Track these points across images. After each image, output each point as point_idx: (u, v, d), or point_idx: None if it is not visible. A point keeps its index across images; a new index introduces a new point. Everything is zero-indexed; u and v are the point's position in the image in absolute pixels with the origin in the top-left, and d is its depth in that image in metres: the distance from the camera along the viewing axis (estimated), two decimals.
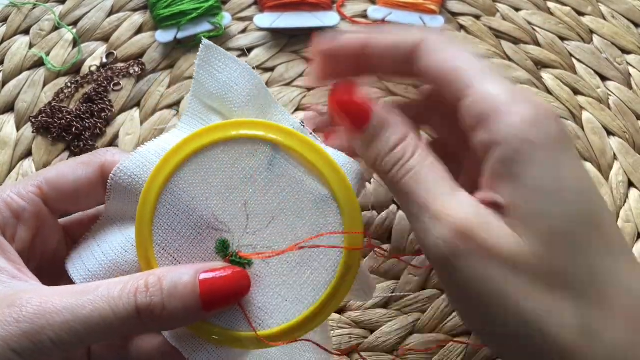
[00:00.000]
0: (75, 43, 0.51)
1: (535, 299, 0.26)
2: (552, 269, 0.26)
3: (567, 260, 0.26)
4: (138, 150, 0.31)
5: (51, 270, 0.33)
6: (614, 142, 0.47)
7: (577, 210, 0.27)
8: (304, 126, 0.31)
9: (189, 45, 0.51)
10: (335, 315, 0.42)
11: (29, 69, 0.50)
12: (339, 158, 0.31)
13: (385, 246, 0.44)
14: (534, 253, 0.26)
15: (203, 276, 0.28)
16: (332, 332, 0.41)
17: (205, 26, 0.50)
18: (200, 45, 0.31)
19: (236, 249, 0.30)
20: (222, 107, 0.32)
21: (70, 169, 0.32)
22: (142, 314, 0.26)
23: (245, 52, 0.50)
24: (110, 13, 0.52)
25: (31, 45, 0.51)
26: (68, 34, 0.51)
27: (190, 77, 0.49)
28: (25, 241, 0.31)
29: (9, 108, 0.49)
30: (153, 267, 0.30)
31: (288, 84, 0.50)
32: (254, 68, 0.50)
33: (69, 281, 0.31)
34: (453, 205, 0.27)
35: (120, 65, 0.50)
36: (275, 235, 0.30)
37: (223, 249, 0.30)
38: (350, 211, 0.30)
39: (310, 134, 0.31)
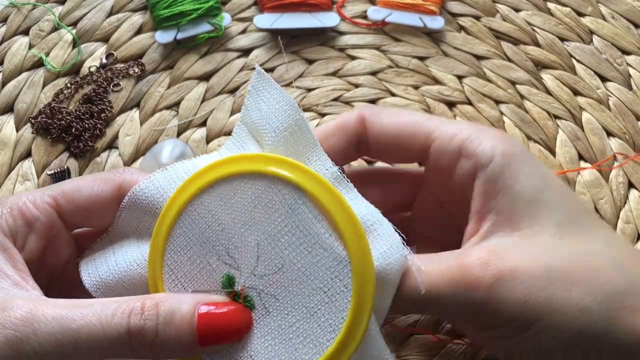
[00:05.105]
0: (74, 44, 0.51)
1: None
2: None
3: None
4: (169, 166, 0.30)
5: (62, 283, 0.32)
6: (614, 143, 0.47)
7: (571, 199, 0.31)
8: (343, 175, 0.29)
9: (189, 45, 0.51)
10: None
11: (28, 69, 0.50)
12: (371, 215, 0.28)
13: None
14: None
15: (203, 309, 0.27)
16: None
17: (205, 27, 0.50)
18: (254, 72, 0.30)
19: (241, 288, 0.28)
20: (259, 137, 0.30)
21: (87, 183, 0.31)
22: (132, 337, 0.25)
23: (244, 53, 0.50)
24: (110, 14, 0.52)
25: (31, 46, 0.51)
26: (68, 34, 0.51)
27: (189, 78, 0.50)
28: (35, 252, 0.30)
29: (9, 109, 0.49)
30: (159, 287, 0.29)
31: (288, 85, 0.50)
32: (253, 69, 0.50)
33: (80, 295, 0.30)
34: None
35: (119, 65, 0.50)
36: (281, 284, 0.28)
37: (229, 285, 0.29)
38: (363, 280, 0.27)
39: (348, 182, 0.29)
